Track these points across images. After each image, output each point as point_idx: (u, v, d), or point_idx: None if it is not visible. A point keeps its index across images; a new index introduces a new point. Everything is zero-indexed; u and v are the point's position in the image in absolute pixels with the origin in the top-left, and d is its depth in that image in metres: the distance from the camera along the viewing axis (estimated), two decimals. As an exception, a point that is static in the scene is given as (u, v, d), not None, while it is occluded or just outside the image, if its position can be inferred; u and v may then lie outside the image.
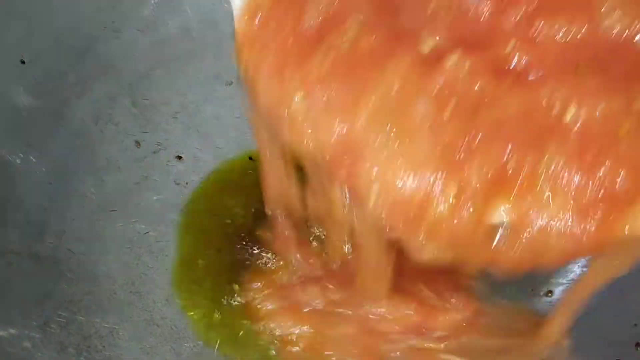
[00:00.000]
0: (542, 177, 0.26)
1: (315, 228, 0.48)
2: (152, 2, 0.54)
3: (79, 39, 0.51)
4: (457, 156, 0.26)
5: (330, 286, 0.46)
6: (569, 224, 0.26)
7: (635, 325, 0.38)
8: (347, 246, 0.39)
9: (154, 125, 0.54)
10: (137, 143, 0.52)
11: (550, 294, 0.45)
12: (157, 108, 0.54)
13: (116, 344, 0.42)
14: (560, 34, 0.28)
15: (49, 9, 0.49)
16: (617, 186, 0.25)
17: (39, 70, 0.48)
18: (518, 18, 0.28)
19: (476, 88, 0.27)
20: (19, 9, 0.47)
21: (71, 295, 0.43)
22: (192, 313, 0.46)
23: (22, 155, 0.46)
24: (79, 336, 0.41)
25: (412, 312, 0.44)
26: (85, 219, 0.48)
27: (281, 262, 0.48)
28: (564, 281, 0.45)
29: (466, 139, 0.26)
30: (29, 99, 0.48)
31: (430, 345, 0.43)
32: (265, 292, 0.47)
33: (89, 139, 0.51)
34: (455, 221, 0.27)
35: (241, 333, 0.45)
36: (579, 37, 0.28)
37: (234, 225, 0.51)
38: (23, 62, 0.48)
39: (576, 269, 0.45)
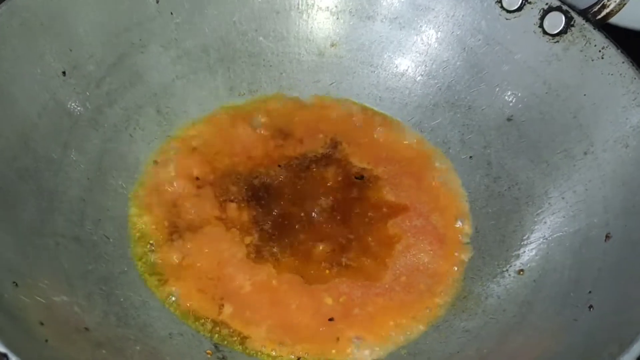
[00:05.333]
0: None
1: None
2: (174, 22, 0.61)
3: (110, 54, 0.58)
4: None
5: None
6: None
7: (590, 292, 0.45)
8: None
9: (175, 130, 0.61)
10: None
11: (521, 273, 0.52)
12: (178, 115, 0.61)
13: (148, 314, 0.48)
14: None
15: (86, 28, 0.55)
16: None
17: (77, 80, 0.55)
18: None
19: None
20: (60, 27, 0.54)
21: (108, 273, 0.49)
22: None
23: (63, 153, 0.53)
24: (117, 306, 0.47)
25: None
26: (117, 210, 0.54)
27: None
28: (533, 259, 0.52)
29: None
30: (69, 105, 0.55)
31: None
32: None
33: (120, 142, 0.57)
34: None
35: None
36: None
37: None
38: (64, 73, 0.54)
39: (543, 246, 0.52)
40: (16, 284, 0.41)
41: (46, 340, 0.39)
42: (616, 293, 0.43)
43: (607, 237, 0.47)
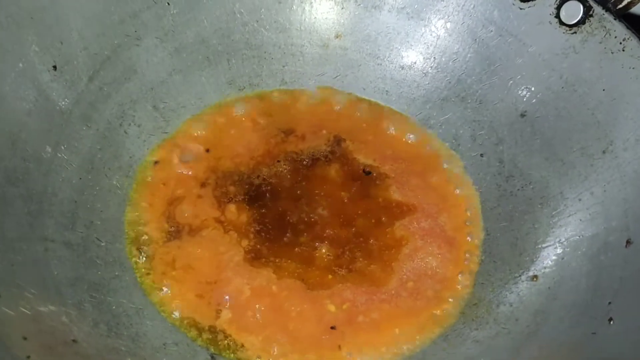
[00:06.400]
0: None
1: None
2: (171, 12, 0.58)
3: (104, 47, 0.55)
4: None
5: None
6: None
7: (610, 303, 0.42)
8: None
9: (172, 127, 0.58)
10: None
11: (535, 279, 0.49)
12: (176, 111, 0.59)
13: (142, 322, 0.46)
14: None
15: (77, 20, 0.53)
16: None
17: (68, 75, 0.53)
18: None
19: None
20: (50, 19, 0.51)
21: (100, 278, 0.47)
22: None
23: (54, 153, 0.51)
24: (109, 314, 0.45)
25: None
26: (111, 211, 0.52)
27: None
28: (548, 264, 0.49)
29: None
30: (60, 102, 0.52)
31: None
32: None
33: (114, 139, 0.55)
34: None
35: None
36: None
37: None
38: (55, 68, 0.52)
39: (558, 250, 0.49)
40: (-1, 295, 0.39)
41: (28, 357, 0.36)
42: (639, 305, 0.40)
43: (628, 242, 0.45)
